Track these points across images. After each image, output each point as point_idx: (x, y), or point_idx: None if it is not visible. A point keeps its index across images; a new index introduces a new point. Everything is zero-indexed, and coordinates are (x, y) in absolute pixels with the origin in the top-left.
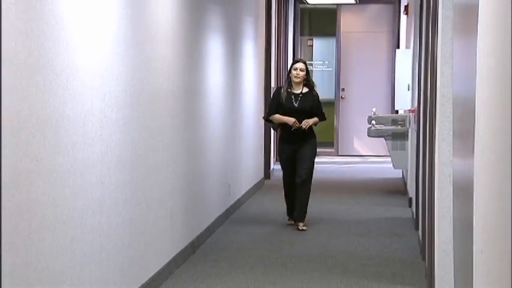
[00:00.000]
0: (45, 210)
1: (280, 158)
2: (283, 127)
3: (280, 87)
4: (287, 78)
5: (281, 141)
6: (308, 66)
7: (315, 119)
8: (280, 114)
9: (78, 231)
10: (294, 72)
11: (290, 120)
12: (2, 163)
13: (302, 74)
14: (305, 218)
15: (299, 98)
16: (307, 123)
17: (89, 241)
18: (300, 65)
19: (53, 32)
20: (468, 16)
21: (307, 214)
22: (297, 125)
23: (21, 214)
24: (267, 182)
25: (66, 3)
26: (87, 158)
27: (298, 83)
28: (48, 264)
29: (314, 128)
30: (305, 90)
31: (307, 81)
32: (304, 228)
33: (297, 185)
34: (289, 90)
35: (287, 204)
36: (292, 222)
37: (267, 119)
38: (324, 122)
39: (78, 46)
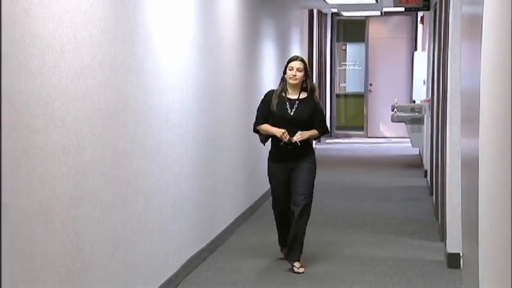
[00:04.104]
0: (138, 180)
1: (270, 181)
2: (273, 141)
3: (272, 91)
4: (281, 80)
5: (270, 160)
6: (307, 66)
7: (314, 132)
8: (270, 124)
9: (163, 197)
10: (289, 72)
11: (278, 131)
12: (103, 144)
13: (300, 74)
14: (300, 257)
15: (295, 105)
16: (300, 135)
17: (172, 204)
18: (296, 64)
19: (142, 41)
20: (473, 24)
21: (303, 250)
22: (287, 138)
23: (120, 183)
24: None
25: (152, 18)
26: (169, 140)
27: (294, 86)
28: (141, 222)
29: (312, 142)
30: (303, 95)
31: (306, 83)
32: (302, 270)
33: (294, 215)
34: (283, 94)
35: (280, 233)
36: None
37: (254, 130)
38: (356, 109)
39: (162, 52)
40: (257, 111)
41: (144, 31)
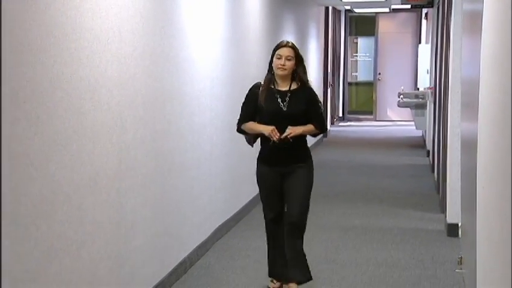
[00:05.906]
0: (174, 157)
1: (260, 186)
2: (262, 140)
3: (259, 84)
4: (268, 69)
5: (260, 161)
6: (299, 53)
7: (309, 127)
8: (258, 121)
9: (195, 173)
10: (277, 61)
11: (267, 129)
12: (143, 125)
13: (289, 64)
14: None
15: (287, 98)
16: (291, 130)
17: (203, 180)
18: (286, 51)
19: (179, 34)
20: (474, 20)
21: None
22: (277, 136)
23: (158, 160)
24: (325, 139)
25: (187, 14)
26: (201, 122)
27: (284, 77)
28: (177, 196)
29: (307, 142)
30: (294, 86)
31: (298, 73)
32: None
33: (287, 230)
34: (271, 87)
35: (270, 258)
36: (277, 286)
37: (238, 130)
38: (366, 95)
39: (194, 44)
40: (241, 108)
41: (179, 25)
